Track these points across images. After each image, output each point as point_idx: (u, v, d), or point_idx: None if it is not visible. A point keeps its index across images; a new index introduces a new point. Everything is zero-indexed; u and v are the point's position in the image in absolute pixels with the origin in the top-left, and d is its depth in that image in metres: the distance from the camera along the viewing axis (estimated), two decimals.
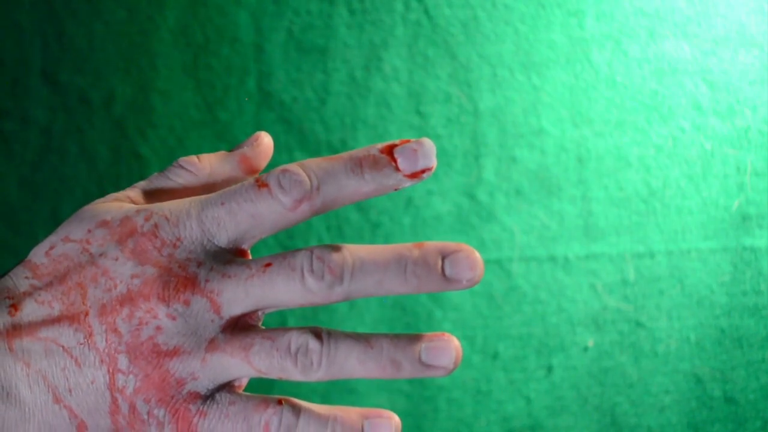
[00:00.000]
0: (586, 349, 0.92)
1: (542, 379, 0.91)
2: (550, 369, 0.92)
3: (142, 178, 0.81)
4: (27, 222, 0.76)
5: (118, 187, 0.79)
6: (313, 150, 0.82)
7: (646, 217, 0.92)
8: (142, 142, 0.78)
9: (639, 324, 0.93)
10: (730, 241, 0.94)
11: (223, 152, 0.40)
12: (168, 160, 0.79)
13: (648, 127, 0.91)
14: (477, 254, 0.35)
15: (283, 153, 0.82)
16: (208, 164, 0.39)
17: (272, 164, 0.82)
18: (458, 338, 0.92)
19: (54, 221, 0.76)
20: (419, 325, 0.88)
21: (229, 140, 0.80)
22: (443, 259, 0.35)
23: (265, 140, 0.40)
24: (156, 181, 0.39)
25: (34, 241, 0.77)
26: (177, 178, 0.38)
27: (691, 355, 0.95)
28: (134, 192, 0.38)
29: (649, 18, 0.90)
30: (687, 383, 0.95)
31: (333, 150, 0.83)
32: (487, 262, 0.88)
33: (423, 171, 0.35)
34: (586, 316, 0.92)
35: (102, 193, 0.78)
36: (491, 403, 0.90)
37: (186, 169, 0.38)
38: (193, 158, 0.39)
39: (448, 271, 0.35)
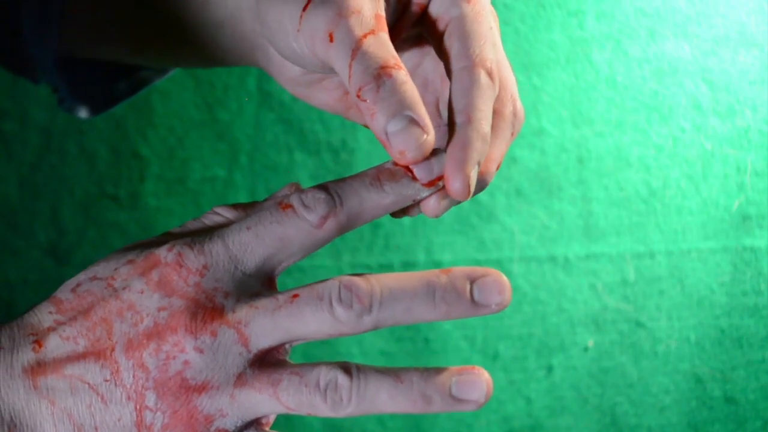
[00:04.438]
0: (586, 349, 0.92)
1: (542, 379, 0.91)
2: (550, 369, 0.92)
3: (142, 178, 0.82)
4: (27, 222, 0.76)
5: (118, 186, 0.79)
6: (313, 150, 0.82)
7: (646, 217, 0.92)
8: (142, 142, 0.78)
9: (639, 324, 0.93)
10: (730, 241, 0.94)
11: (257, 201, 0.39)
12: (168, 160, 0.79)
13: (648, 127, 0.91)
14: (505, 278, 0.34)
15: (283, 153, 0.82)
16: (243, 211, 0.38)
17: (272, 165, 0.82)
18: (458, 338, 0.92)
19: (54, 221, 0.76)
20: (420, 325, 0.88)
21: (229, 140, 0.80)
22: (471, 284, 0.34)
23: (298, 189, 0.40)
24: (190, 226, 0.38)
25: (34, 241, 0.77)
26: (211, 223, 0.37)
27: (691, 355, 0.95)
28: (167, 236, 0.37)
29: (649, 18, 0.90)
30: (687, 383, 0.95)
31: (333, 150, 0.83)
32: (487, 262, 0.88)
33: (439, 178, 0.35)
34: (586, 316, 0.92)
35: (102, 193, 0.78)
36: (491, 403, 0.91)
37: (221, 215, 0.37)
38: (230, 206, 0.38)
39: (476, 296, 0.34)
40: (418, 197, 0.35)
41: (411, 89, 0.34)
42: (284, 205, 0.35)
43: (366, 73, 0.34)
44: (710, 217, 0.94)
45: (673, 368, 0.95)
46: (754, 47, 0.93)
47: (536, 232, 0.89)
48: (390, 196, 0.35)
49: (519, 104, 0.38)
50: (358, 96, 0.34)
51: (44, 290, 0.80)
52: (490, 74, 0.36)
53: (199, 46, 0.44)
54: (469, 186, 0.34)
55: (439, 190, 0.35)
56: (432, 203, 0.36)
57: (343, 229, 0.35)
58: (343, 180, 0.35)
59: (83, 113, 0.50)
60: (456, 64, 0.37)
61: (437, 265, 0.87)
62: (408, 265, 0.86)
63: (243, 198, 0.81)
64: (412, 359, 0.88)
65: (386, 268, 0.85)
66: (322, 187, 0.35)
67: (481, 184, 0.37)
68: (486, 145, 0.35)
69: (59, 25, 0.44)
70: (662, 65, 0.91)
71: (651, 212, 0.92)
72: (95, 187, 0.78)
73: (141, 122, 0.78)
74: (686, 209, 0.93)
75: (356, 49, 0.35)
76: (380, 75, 0.34)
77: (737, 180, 0.94)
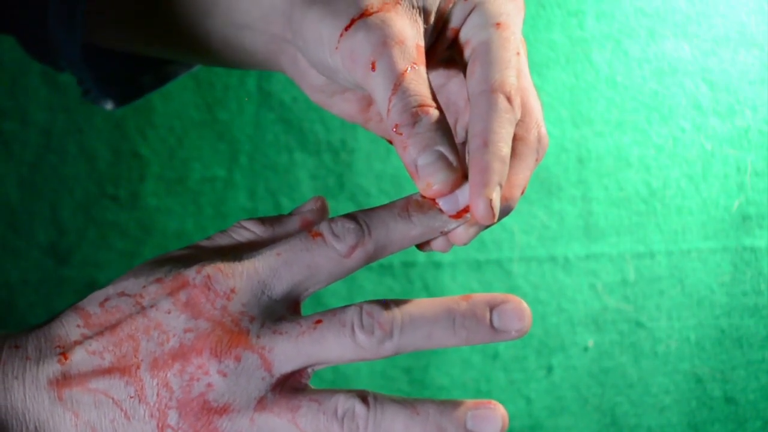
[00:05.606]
0: (586, 349, 0.92)
1: (542, 379, 0.92)
2: (550, 369, 0.92)
3: (142, 178, 0.82)
4: (27, 222, 0.76)
5: (118, 186, 0.79)
6: (313, 150, 0.82)
7: (646, 217, 0.92)
8: (142, 142, 0.78)
9: (639, 324, 0.93)
10: (730, 241, 0.94)
11: (283, 215, 0.40)
12: (168, 160, 0.79)
13: (648, 127, 0.91)
14: (525, 304, 0.35)
15: (283, 153, 0.82)
16: (270, 226, 0.38)
17: (272, 165, 0.82)
18: None
19: (54, 221, 0.76)
20: None
21: (229, 140, 0.80)
22: (491, 310, 0.35)
23: (324, 203, 0.40)
24: (219, 239, 0.38)
25: (34, 241, 0.77)
26: (239, 237, 0.38)
27: (691, 355, 0.95)
28: (195, 250, 0.38)
29: (649, 18, 0.90)
30: (687, 383, 0.95)
31: (333, 150, 0.83)
32: (487, 262, 0.88)
33: (466, 210, 0.36)
34: (586, 316, 0.92)
35: (102, 193, 0.78)
36: None
37: (249, 230, 0.38)
38: (257, 221, 0.39)
39: (496, 323, 0.35)
40: (446, 229, 0.36)
41: (444, 127, 0.35)
42: (314, 233, 0.36)
43: (404, 111, 0.35)
44: (710, 217, 0.94)
45: (673, 368, 0.95)
46: (754, 47, 0.93)
47: (536, 232, 0.89)
48: (417, 227, 0.36)
49: (544, 130, 0.39)
50: (395, 130, 0.36)
51: (44, 290, 0.81)
52: (509, 99, 0.37)
53: (224, 47, 0.44)
54: (492, 209, 0.35)
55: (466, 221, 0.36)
56: (460, 231, 0.36)
57: (370, 259, 0.36)
58: (372, 210, 0.36)
59: (108, 105, 0.50)
60: (475, 88, 0.37)
61: (437, 265, 0.87)
62: (408, 265, 0.86)
63: (243, 198, 0.81)
64: (412, 359, 0.88)
65: (386, 268, 0.85)
66: (352, 217, 0.36)
67: (506, 210, 0.37)
68: (505, 167, 0.36)
69: (84, 16, 0.44)
70: (662, 65, 0.91)
71: (651, 212, 0.92)
72: (95, 187, 0.78)
73: (141, 122, 0.78)
74: (686, 209, 0.93)
75: (398, 84, 0.36)
76: (417, 113, 0.35)
77: (737, 180, 0.94)
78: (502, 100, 0.36)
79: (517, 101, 0.37)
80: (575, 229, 0.90)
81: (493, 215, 0.35)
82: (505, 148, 0.36)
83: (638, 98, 0.91)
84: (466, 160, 0.36)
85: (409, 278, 0.86)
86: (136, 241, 0.78)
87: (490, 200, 0.34)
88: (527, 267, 0.89)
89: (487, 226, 0.37)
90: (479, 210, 0.34)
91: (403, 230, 0.36)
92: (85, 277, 0.78)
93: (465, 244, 0.37)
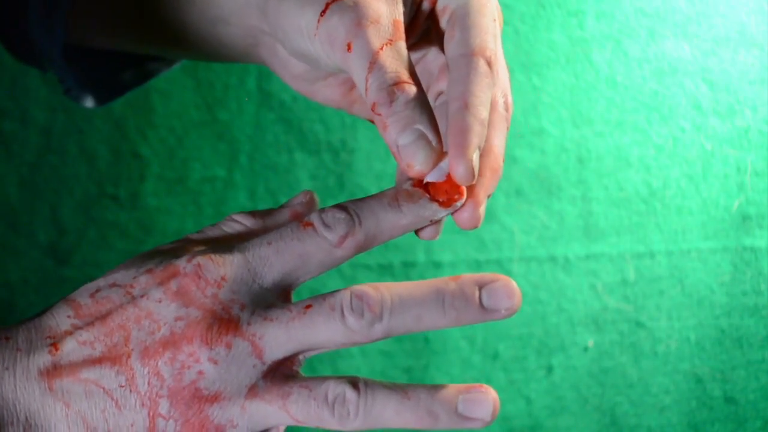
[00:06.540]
0: (586, 349, 0.92)
1: (542, 379, 0.91)
2: (550, 369, 0.92)
3: (142, 178, 0.82)
4: (27, 222, 0.76)
5: (118, 186, 0.79)
6: (313, 150, 0.82)
7: (646, 217, 0.92)
8: (142, 142, 0.78)
9: (639, 324, 0.93)
10: (730, 241, 0.94)
11: (273, 208, 0.40)
12: (168, 160, 0.79)
13: (648, 127, 0.91)
14: (514, 283, 0.35)
15: (283, 153, 0.82)
16: (261, 218, 0.39)
17: (272, 165, 0.82)
18: (458, 338, 0.92)
19: (54, 221, 0.76)
20: None
21: (229, 140, 0.80)
22: (480, 289, 0.35)
23: (313, 197, 0.41)
24: (209, 232, 0.38)
25: (34, 241, 0.77)
26: (230, 230, 0.38)
27: (691, 355, 0.95)
28: (185, 242, 0.38)
29: (649, 18, 0.90)
30: (687, 383, 0.95)
31: (333, 150, 0.83)
32: (487, 262, 0.88)
33: (454, 199, 0.36)
34: (586, 316, 0.92)
35: (102, 193, 0.78)
36: None
37: (240, 223, 0.39)
38: (247, 214, 0.39)
39: (485, 302, 0.35)
40: (435, 218, 0.36)
41: (423, 104, 0.35)
42: (305, 223, 0.36)
43: (380, 89, 0.35)
44: (710, 217, 0.94)
45: (673, 368, 0.95)
46: (754, 47, 0.93)
47: (536, 232, 0.89)
48: (407, 216, 0.36)
49: (510, 99, 0.39)
50: (373, 110, 0.35)
51: (44, 290, 0.81)
52: (489, 63, 0.37)
53: (202, 41, 0.45)
54: (472, 169, 0.35)
55: (456, 210, 0.36)
56: (465, 214, 0.36)
57: (360, 249, 0.36)
58: (362, 200, 0.36)
59: (89, 102, 0.50)
60: (455, 52, 0.37)
61: (437, 265, 0.87)
62: (408, 265, 0.86)
63: (243, 198, 0.81)
64: (412, 359, 0.88)
65: (386, 268, 0.85)
66: (342, 207, 0.36)
67: (496, 179, 0.37)
68: (485, 130, 0.36)
69: (66, 14, 0.44)
70: (662, 65, 0.91)
71: (651, 212, 0.92)
72: (95, 187, 0.78)
73: (141, 122, 0.78)
74: (686, 209, 0.93)
75: (373, 62, 0.36)
76: (393, 91, 0.35)
77: (737, 180, 0.94)
78: (482, 64, 0.36)
79: (495, 67, 0.37)
80: (575, 229, 0.90)
81: (473, 176, 0.35)
82: (484, 112, 0.36)
83: (638, 98, 0.91)
84: (440, 127, 0.36)
85: (409, 278, 0.86)
86: (136, 241, 0.78)
87: (470, 161, 0.34)
88: (527, 267, 0.89)
89: (488, 195, 0.37)
90: (459, 172, 0.34)
91: (393, 220, 0.36)
92: (85, 277, 0.78)
93: (473, 225, 0.36)
